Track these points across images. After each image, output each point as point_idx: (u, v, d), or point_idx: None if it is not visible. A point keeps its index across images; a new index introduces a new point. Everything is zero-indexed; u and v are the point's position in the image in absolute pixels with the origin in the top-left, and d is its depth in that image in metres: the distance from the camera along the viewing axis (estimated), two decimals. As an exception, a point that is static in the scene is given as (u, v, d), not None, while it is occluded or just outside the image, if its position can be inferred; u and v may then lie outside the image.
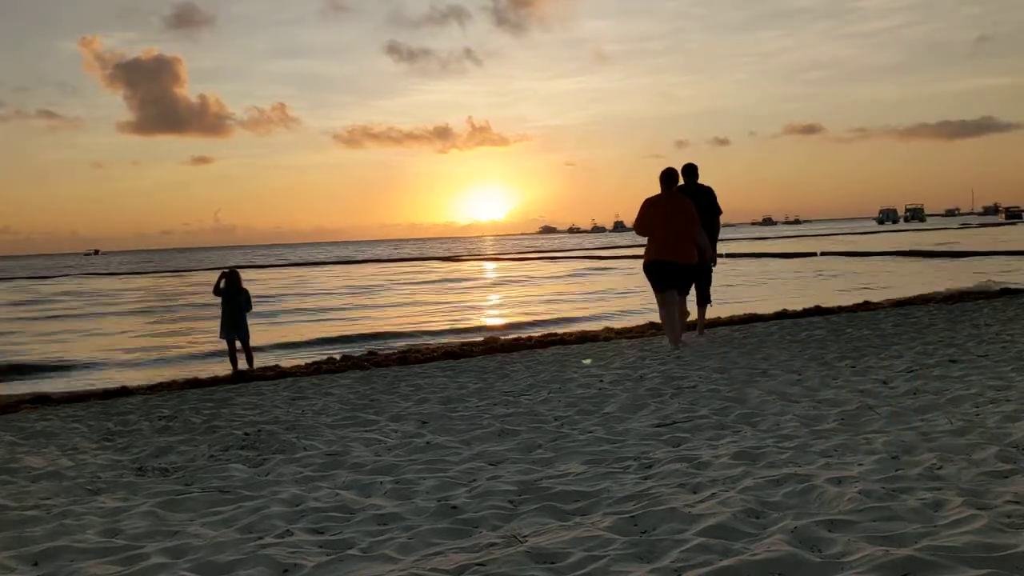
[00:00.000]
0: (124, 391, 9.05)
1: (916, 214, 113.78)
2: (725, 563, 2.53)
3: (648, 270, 8.26)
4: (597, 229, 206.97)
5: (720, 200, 9.41)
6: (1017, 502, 2.95)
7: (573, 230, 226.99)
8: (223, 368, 11.14)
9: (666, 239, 8.03)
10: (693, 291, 9.14)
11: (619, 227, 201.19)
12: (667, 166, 8.44)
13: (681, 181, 8.60)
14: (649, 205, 8.21)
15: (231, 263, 49.32)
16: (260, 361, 11.26)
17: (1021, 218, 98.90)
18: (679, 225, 8.03)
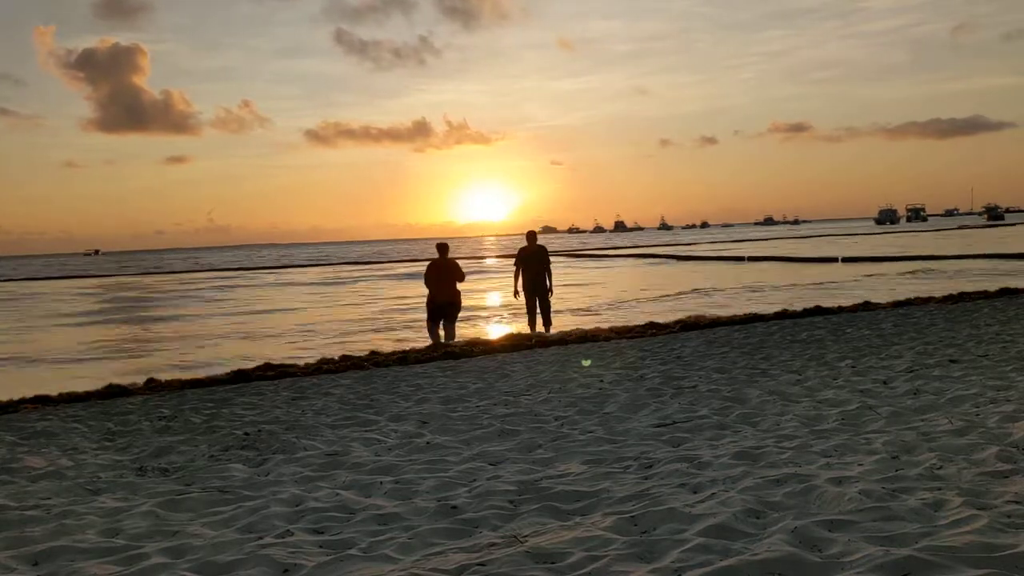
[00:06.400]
0: (124, 391, 9.05)
1: (917, 214, 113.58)
2: (725, 563, 2.53)
3: (431, 305, 12.27)
4: (598, 229, 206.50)
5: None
6: (1017, 502, 2.95)
7: (573, 230, 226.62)
8: None
9: (440, 286, 12.12)
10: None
11: (620, 227, 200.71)
12: (440, 240, 12.83)
13: (444, 254, 12.60)
14: (432, 266, 12.37)
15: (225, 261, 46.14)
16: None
17: (1003, 219, 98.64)
18: (447, 277, 12.20)
